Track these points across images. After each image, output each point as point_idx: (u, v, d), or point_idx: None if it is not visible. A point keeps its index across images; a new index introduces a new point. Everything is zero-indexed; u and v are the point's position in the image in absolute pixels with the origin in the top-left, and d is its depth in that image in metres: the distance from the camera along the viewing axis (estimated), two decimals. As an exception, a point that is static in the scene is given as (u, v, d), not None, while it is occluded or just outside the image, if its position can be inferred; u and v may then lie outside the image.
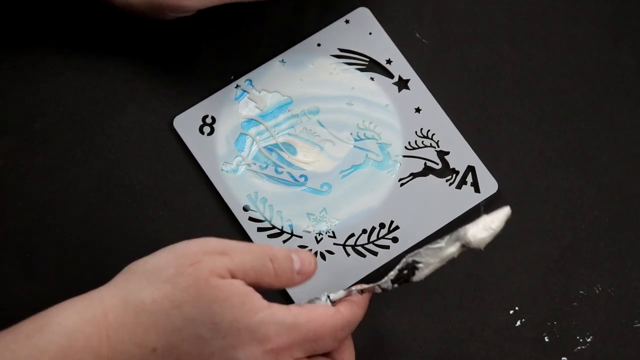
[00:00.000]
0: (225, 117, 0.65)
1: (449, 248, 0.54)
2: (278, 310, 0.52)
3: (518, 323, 0.63)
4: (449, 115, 0.66)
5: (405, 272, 0.55)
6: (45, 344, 0.50)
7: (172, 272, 0.52)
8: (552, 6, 0.69)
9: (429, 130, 0.66)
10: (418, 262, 0.54)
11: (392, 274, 0.55)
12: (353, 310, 0.55)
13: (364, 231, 0.64)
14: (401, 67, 0.67)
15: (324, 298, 0.55)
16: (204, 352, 0.51)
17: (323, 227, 0.64)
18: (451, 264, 0.64)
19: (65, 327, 0.51)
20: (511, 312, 0.63)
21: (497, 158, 0.66)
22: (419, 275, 0.55)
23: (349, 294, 0.56)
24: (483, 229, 0.54)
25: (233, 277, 0.52)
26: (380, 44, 0.68)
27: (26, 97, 0.66)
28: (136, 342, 0.51)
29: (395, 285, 0.55)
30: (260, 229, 0.63)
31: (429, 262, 0.54)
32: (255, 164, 0.65)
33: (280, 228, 0.64)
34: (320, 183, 0.65)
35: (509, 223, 0.65)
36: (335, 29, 0.68)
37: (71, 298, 0.52)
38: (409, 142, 0.66)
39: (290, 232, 0.64)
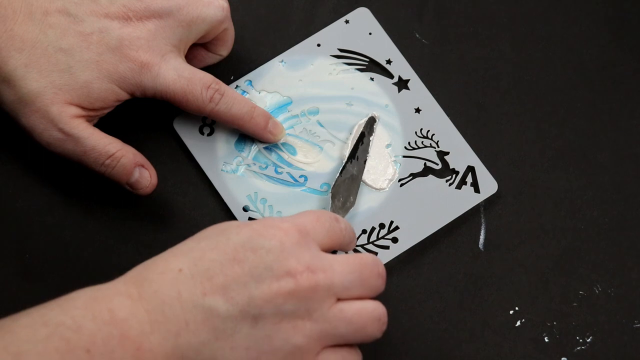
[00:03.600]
0: (225, 118, 0.65)
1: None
2: None
3: (518, 323, 0.63)
4: (449, 115, 0.66)
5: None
6: (72, 301, 0.51)
7: None
8: (552, 6, 0.69)
9: (428, 131, 0.66)
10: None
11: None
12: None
13: (364, 231, 0.63)
14: (401, 67, 0.67)
15: None
16: (228, 253, 0.51)
17: (323, 227, 0.64)
18: (451, 264, 0.64)
19: (89, 288, 0.52)
20: (511, 312, 0.63)
21: (497, 158, 0.66)
22: None
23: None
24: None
25: None
26: (380, 44, 0.68)
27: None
28: (160, 271, 0.51)
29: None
30: (260, 229, 0.63)
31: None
32: (255, 164, 0.65)
33: (280, 228, 0.64)
34: (320, 183, 0.65)
35: (510, 223, 0.65)
36: (335, 29, 0.68)
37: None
38: (409, 143, 0.66)
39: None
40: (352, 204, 0.63)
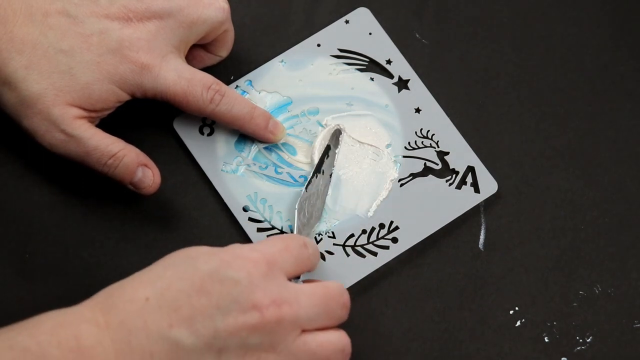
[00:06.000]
0: (225, 118, 0.65)
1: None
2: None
3: (518, 323, 0.63)
4: (449, 115, 0.66)
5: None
6: (40, 326, 0.51)
7: None
8: (552, 6, 0.69)
9: (428, 131, 0.66)
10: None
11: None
12: None
13: (364, 231, 0.63)
14: (401, 67, 0.67)
15: None
16: (195, 283, 0.51)
17: (323, 227, 0.64)
18: (451, 264, 0.64)
19: (56, 312, 0.52)
20: (511, 312, 0.63)
21: (497, 158, 0.66)
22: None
23: None
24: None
25: None
26: (380, 44, 0.68)
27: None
28: (127, 299, 0.51)
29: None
30: (260, 230, 0.63)
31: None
32: (255, 164, 0.65)
33: (280, 228, 0.63)
34: (320, 183, 0.65)
35: (510, 223, 0.65)
36: (335, 29, 0.68)
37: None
38: (409, 143, 0.66)
39: (290, 232, 0.64)
40: (318, 219, 0.63)
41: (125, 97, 0.60)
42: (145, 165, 0.61)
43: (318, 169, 0.63)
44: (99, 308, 0.51)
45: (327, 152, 0.64)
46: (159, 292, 0.51)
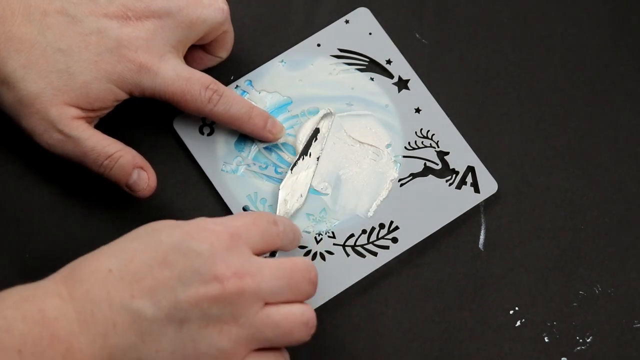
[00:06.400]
0: (225, 118, 0.65)
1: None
2: None
3: (518, 323, 0.63)
4: (449, 115, 0.66)
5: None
6: (4, 301, 0.51)
7: None
8: (552, 6, 0.70)
9: (428, 131, 0.66)
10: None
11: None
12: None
13: (364, 231, 0.63)
14: (401, 67, 0.67)
15: None
16: (158, 255, 0.51)
17: (323, 227, 0.64)
18: (451, 264, 0.64)
19: (22, 287, 0.52)
20: (511, 312, 0.63)
21: (497, 158, 0.66)
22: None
23: None
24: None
25: None
26: (380, 44, 0.68)
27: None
28: (90, 271, 0.51)
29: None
30: (260, 229, 0.63)
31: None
32: (255, 164, 0.65)
33: (279, 228, 0.64)
34: (320, 183, 0.65)
35: (510, 223, 0.65)
36: (335, 29, 0.68)
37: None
38: (409, 143, 0.66)
39: (289, 232, 0.64)
40: (301, 202, 0.63)
41: (124, 96, 0.60)
42: (141, 168, 0.61)
43: (305, 151, 0.63)
44: (63, 281, 0.52)
45: (315, 135, 0.64)
46: (122, 264, 0.51)
